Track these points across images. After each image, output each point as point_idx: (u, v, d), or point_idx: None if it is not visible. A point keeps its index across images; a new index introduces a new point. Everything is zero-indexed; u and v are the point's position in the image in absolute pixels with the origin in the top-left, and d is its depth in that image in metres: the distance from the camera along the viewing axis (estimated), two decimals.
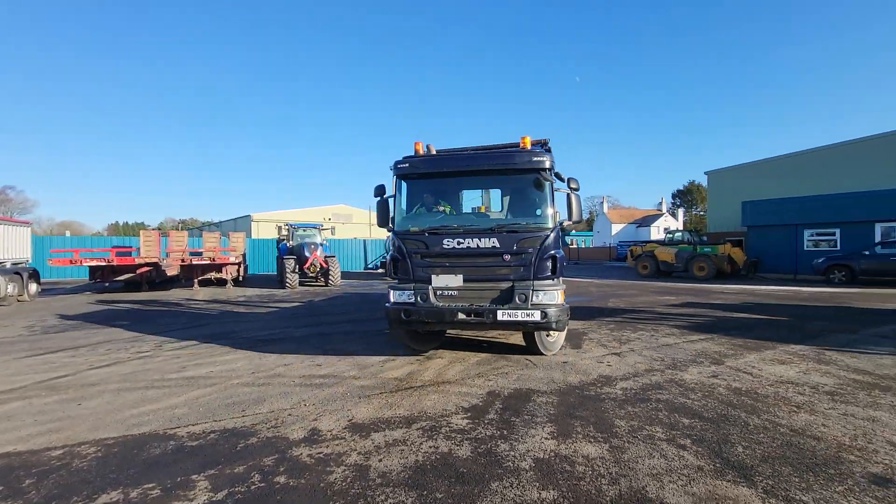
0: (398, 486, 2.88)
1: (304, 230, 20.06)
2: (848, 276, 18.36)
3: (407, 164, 6.12)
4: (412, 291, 5.78)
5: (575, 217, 5.85)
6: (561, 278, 5.82)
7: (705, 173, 35.31)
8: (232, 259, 18.75)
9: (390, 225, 6.18)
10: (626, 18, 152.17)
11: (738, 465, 3.10)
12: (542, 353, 6.34)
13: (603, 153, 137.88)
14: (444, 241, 5.75)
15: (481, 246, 5.70)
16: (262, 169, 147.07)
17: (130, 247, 20.40)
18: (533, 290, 5.58)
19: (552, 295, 5.59)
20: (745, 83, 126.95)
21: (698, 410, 4.17)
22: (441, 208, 6.45)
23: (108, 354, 6.78)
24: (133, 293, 16.49)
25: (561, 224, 6.00)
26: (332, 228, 20.30)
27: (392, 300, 5.89)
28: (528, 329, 5.77)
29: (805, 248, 22.56)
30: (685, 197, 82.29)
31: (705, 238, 25.04)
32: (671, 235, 26.11)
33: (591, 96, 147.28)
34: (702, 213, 78.35)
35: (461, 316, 5.59)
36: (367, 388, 4.91)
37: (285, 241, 19.98)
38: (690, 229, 35.55)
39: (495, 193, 7.17)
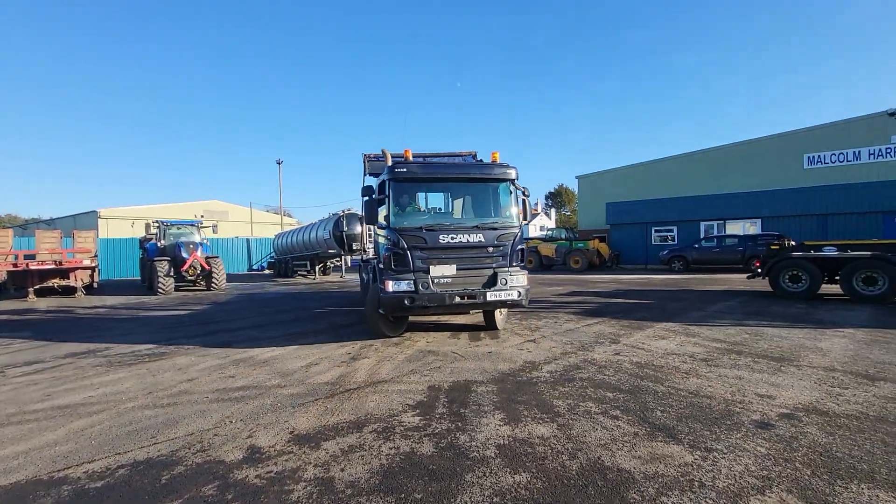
0: (372, 493, 2.72)
1: (180, 228, 17.53)
2: (684, 264, 22.39)
3: (405, 169, 6.90)
4: (412, 280, 6.50)
5: (528, 218, 7.35)
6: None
7: (576, 177, 39.74)
8: (86, 262, 15.55)
9: (381, 222, 7.06)
10: (503, 22, 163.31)
11: (662, 427, 3.60)
12: (495, 328, 7.81)
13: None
14: (440, 237, 6.69)
15: (470, 240, 6.81)
16: (110, 159, 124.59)
17: None
18: (510, 275, 6.90)
19: (523, 279, 7.03)
20: (608, 94, 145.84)
21: (616, 384, 4.72)
22: (426, 209, 7.37)
23: None
24: None
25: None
26: (214, 226, 18.10)
27: (391, 289, 6.49)
28: (507, 306, 7.03)
29: (653, 243, 26.91)
30: (556, 198, 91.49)
31: (577, 235, 28.30)
32: (551, 233, 28.94)
33: (472, 100, 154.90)
34: (569, 213, 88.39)
35: (457, 299, 6.61)
36: (298, 397, 4.52)
37: (154, 241, 17.24)
38: (566, 227, 39.60)
39: (469, 196, 7.89)
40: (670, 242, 26.17)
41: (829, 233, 22.45)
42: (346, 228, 19.67)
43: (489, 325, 7.89)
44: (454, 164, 7.53)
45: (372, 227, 8.27)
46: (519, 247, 7.06)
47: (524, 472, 2.92)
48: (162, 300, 14.25)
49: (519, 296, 6.86)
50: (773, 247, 12.30)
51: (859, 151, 26.41)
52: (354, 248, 19.76)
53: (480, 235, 6.85)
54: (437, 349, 6.50)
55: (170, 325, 9.35)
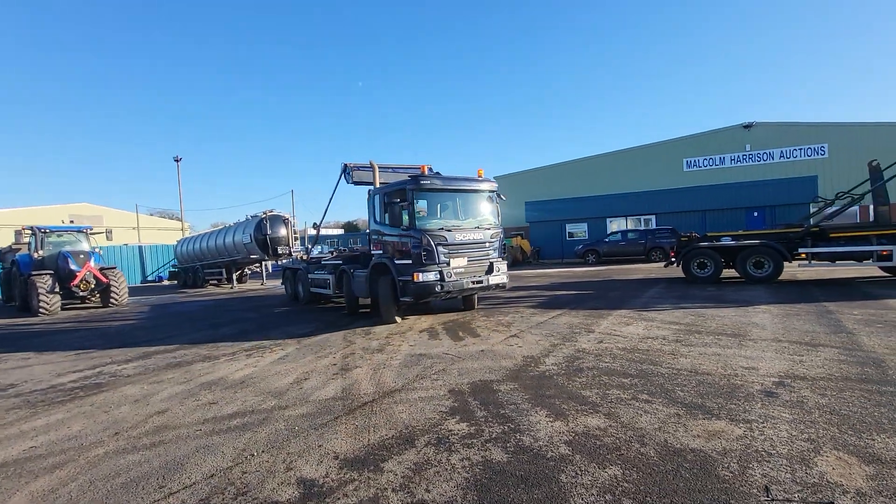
0: None
1: (62, 235, 14.54)
2: (597, 257, 24.53)
3: (429, 182, 8.54)
4: (438, 272, 8.01)
5: (500, 222, 9.42)
6: None
7: (494, 178, 41.42)
8: None
9: (404, 224, 8.30)
10: (403, 22, 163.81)
11: (694, 405, 3.86)
12: (474, 308, 9.99)
13: (401, 154, 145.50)
14: (457, 235, 8.40)
15: (476, 238, 8.70)
16: None
17: None
18: (501, 264, 9.02)
19: (505, 267, 9.18)
20: (529, 98, 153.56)
21: (622, 370, 4.97)
22: (438, 214, 8.73)
23: None
24: None
25: None
26: (109, 232, 15.31)
27: (421, 279, 7.91)
28: (500, 288, 9.13)
29: (568, 238, 29.06)
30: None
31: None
32: None
33: (375, 100, 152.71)
34: None
35: (471, 284, 8.47)
36: (313, 417, 4.03)
37: (28, 252, 14.13)
38: None
39: (468, 203, 9.28)
40: (581, 238, 28.49)
41: (706, 226, 26.18)
42: (269, 231, 18.21)
43: (468, 307, 9.98)
44: (461, 178, 9.07)
45: (384, 227, 9.05)
46: (504, 243, 9.05)
47: (611, 465, 2.92)
48: (48, 321, 11.80)
49: (506, 279, 9.09)
50: (683, 238, 14.02)
51: (724, 157, 31.31)
52: (280, 251, 18.34)
53: (482, 234, 8.82)
54: (426, 352, 6.28)
55: (82, 350, 7.76)
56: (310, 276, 12.12)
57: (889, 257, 10.94)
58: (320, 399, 4.50)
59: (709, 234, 13.91)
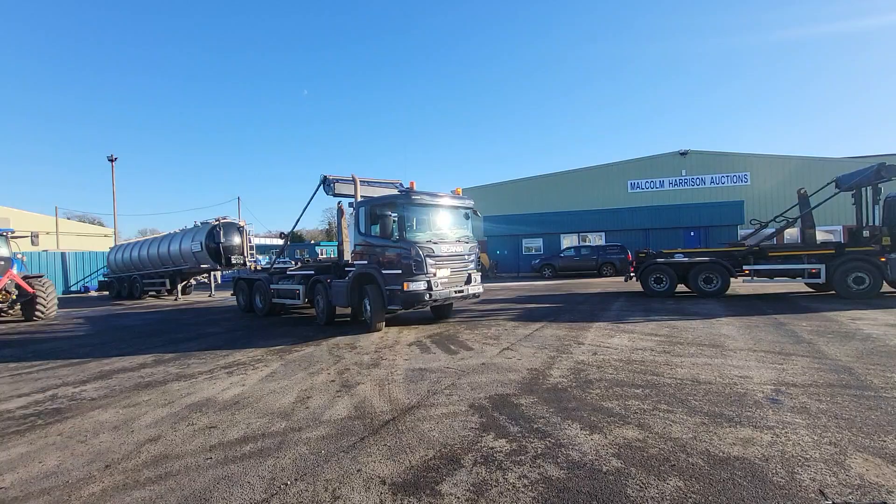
0: None
1: None
2: (553, 271, 25.42)
3: (418, 197, 8.82)
4: (427, 281, 8.34)
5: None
6: None
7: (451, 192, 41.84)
8: None
9: (395, 235, 8.62)
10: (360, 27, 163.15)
11: (714, 414, 4.02)
12: (447, 318, 10.29)
13: (358, 167, 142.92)
14: (442, 247, 8.82)
15: (458, 252, 9.20)
16: None
17: None
18: (477, 275, 9.59)
19: (480, 277, 9.75)
20: (490, 116, 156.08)
21: (630, 381, 5.10)
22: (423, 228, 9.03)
23: None
24: None
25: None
26: (34, 236, 13.46)
27: (412, 288, 8.22)
28: (476, 298, 9.86)
29: (524, 253, 29.88)
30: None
31: None
32: None
33: (320, 109, 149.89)
34: None
35: (454, 293, 8.97)
36: (335, 439, 3.73)
37: None
38: None
39: (449, 219, 9.67)
40: (537, 252, 29.40)
41: (650, 244, 28.03)
42: (223, 240, 17.08)
43: (442, 317, 10.30)
44: (445, 195, 9.43)
45: (370, 238, 9.25)
46: (479, 254, 9.89)
47: (670, 476, 2.95)
48: None
49: (481, 289, 9.78)
50: (640, 254, 14.88)
51: (663, 181, 33.85)
52: (233, 261, 17.27)
53: (462, 247, 9.32)
54: (426, 366, 6.10)
55: (17, 371, 6.73)
56: (272, 286, 11.74)
57: (818, 275, 12.25)
58: (334, 419, 4.20)
59: (664, 251, 14.88)
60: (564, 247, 27.90)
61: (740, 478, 2.90)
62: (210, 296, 20.31)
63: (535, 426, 3.86)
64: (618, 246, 25.16)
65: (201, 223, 18.22)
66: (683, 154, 33.44)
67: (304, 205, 12.03)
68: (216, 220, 17.54)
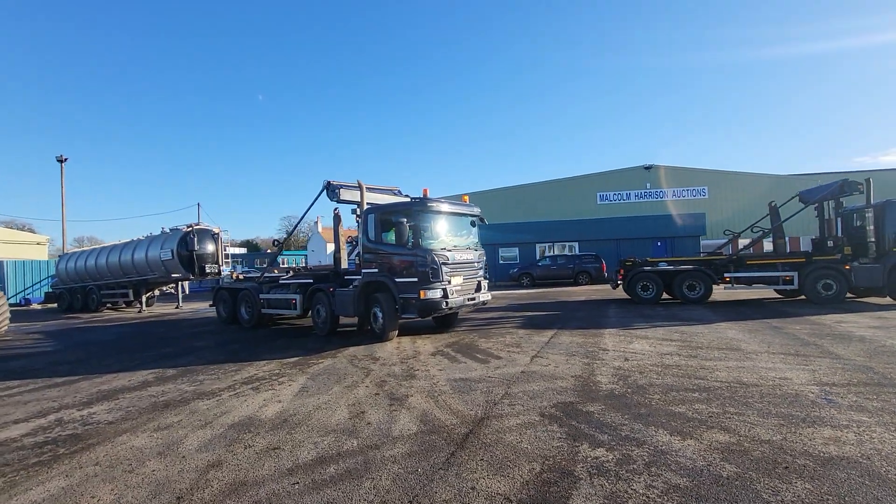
0: None
1: None
2: (531, 280, 25.76)
3: (434, 205, 8.71)
4: (442, 289, 8.21)
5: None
6: None
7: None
8: None
9: (410, 243, 8.24)
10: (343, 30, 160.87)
11: (784, 415, 4.09)
12: (452, 327, 10.00)
13: (306, 176, 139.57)
14: (457, 256, 8.72)
15: (469, 259, 9.13)
16: None
17: None
18: (485, 282, 9.64)
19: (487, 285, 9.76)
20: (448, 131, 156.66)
21: (679, 386, 5.14)
22: (445, 236, 8.88)
23: None
24: None
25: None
26: None
27: (428, 297, 8.06)
28: (485, 305, 10.01)
29: (500, 262, 30.12)
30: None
31: None
32: None
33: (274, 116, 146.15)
34: None
35: (468, 301, 8.92)
36: (421, 455, 3.48)
37: None
38: None
39: (460, 226, 9.48)
40: (512, 261, 29.74)
41: (621, 253, 29.07)
42: (196, 247, 16.06)
43: (447, 326, 10.04)
44: (457, 202, 9.35)
45: (382, 246, 8.95)
46: (486, 261, 9.86)
47: (793, 479, 2.92)
48: None
49: (490, 296, 9.76)
50: (627, 263, 15.33)
51: (630, 193, 35.39)
52: (207, 270, 16.29)
53: (473, 254, 9.29)
54: (464, 376, 5.90)
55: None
56: (262, 296, 11.14)
57: (791, 281, 13.08)
58: (406, 434, 3.93)
59: (649, 260, 15.41)
60: (540, 256, 28.40)
61: (858, 476, 2.93)
62: (177, 307, 18.95)
63: (623, 434, 3.77)
64: (592, 255, 25.87)
65: (170, 229, 17.05)
66: (648, 168, 35.16)
67: (304, 211, 11.35)
68: (188, 227, 16.47)
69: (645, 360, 6.47)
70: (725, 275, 13.84)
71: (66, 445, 3.97)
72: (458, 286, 8.64)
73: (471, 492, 2.90)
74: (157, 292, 19.86)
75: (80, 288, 19.28)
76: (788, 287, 13.40)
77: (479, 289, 9.26)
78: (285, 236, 12.35)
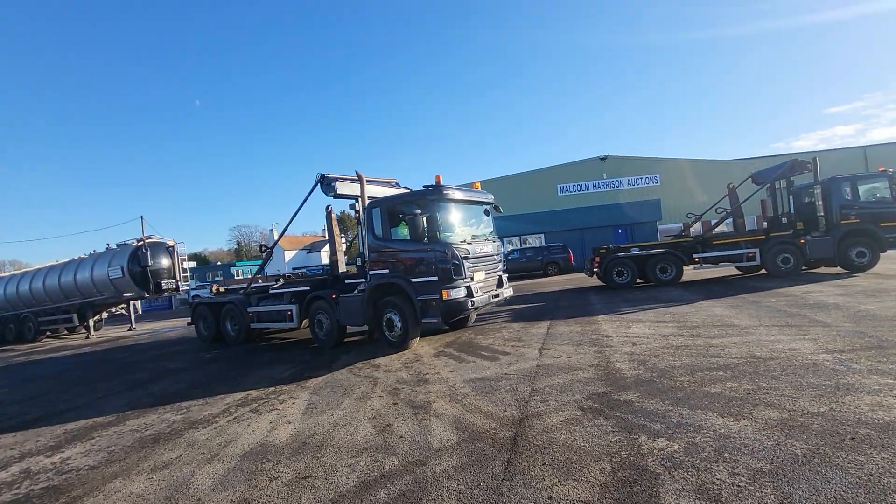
0: None
1: None
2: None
3: (448, 192, 7.69)
4: (465, 288, 7.32)
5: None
6: None
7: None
8: None
9: (427, 238, 7.29)
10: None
11: (814, 385, 4.11)
12: (462, 328, 9.37)
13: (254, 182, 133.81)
14: (477, 249, 7.80)
15: (489, 252, 8.25)
16: None
17: None
18: (505, 277, 8.77)
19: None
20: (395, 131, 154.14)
21: (701, 366, 5.11)
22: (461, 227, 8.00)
23: None
24: None
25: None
26: None
27: (452, 297, 7.15)
28: (507, 301, 9.07)
29: None
30: (341, 224, 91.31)
31: None
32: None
33: (220, 119, 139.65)
34: (352, 237, 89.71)
35: (492, 299, 8.04)
36: (476, 466, 3.17)
37: None
38: None
39: (475, 216, 8.69)
40: None
41: (585, 243, 29.87)
42: (150, 262, 14.78)
43: (459, 327, 9.38)
44: (475, 191, 8.50)
45: (392, 243, 8.01)
46: (503, 254, 9.11)
47: (868, 449, 2.87)
48: None
49: (512, 292, 8.89)
50: (601, 250, 15.62)
51: (588, 184, 36.42)
52: (164, 286, 15.07)
53: (491, 247, 8.45)
54: (479, 375, 5.63)
55: None
56: (250, 309, 10.02)
57: (754, 258, 13.80)
58: (448, 445, 3.60)
59: (622, 246, 15.79)
60: (508, 250, 28.61)
61: None
62: (130, 329, 17.39)
63: (674, 421, 3.64)
64: (560, 246, 26.34)
65: (118, 245, 15.59)
66: (603, 159, 36.34)
67: (295, 209, 9.59)
68: (139, 241, 15.11)
69: (652, 343, 6.46)
70: (694, 256, 14.41)
71: (47, 499, 3.33)
72: (482, 282, 7.77)
73: (549, 502, 2.63)
74: (105, 315, 18.14)
75: (13, 316, 17.27)
76: (751, 263, 14.13)
77: (500, 284, 8.46)
78: (275, 241, 11.39)
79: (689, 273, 15.75)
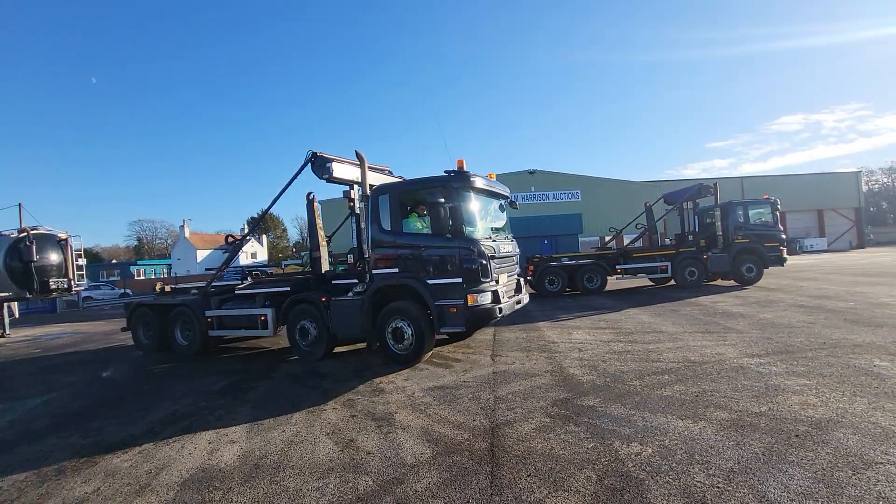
0: None
1: None
2: None
3: (475, 179, 6.61)
4: (492, 292, 6.31)
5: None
6: None
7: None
8: None
9: (449, 231, 6.23)
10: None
11: (747, 388, 4.55)
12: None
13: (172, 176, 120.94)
14: (501, 246, 6.89)
15: (511, 250, 7.47)
16: None
17: None
18: (522, 281, 7.89)
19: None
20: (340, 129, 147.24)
21: (646, 370, 5.43)
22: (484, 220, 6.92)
23: None
24: None
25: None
26: None
27: (479, 302, 6.13)
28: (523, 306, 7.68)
29: None
30: (261, 224, 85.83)
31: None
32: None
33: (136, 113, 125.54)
34: (275, 238, 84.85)
35: (516, 305, 7.08)
36: (458, 484, 3.00)
37: None
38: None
39: (494, 210, 7.66)
40: None
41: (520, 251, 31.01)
42: (34, 257, 12.64)
43: (469, 334, 8.37)
44: (494, 181, 7.37)
45: (404, 238, 6.78)
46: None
47: (813, 445, 3.18)
48: None
49: (528, 297, 7.91)
50: (535, 259, 16.26)
51: (517, 196, 37.83)
52: (53, 286, 12.99)
53: (512, 245, 7.64)
54: (434, 384, 5.48)
55: None
56: (209, 313, 8.26)
57: (666, 270, 15.24)
58: (422, 460, 3.38)
59: (553, 256, 16.57)
60: None
61: (853, 435, 3.31)
62: (3, 335, 14.61)
63: (640, 425, 3.78)
64: None
65: None
66: (532, 173, 38.13)
67: (281, 188, 7.84)
68: (21, 231, 12.82)
69: (596, 349, 6.77)
70: (617, 267, 15.57)
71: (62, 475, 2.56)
72: (505, 286, 6.82)
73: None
74: None
75: None
76: (663, 275, 15.59)
77: (519, 289, 7.57)
78: (247, 230, 9.69)
79: (612, 283, 16.96)
